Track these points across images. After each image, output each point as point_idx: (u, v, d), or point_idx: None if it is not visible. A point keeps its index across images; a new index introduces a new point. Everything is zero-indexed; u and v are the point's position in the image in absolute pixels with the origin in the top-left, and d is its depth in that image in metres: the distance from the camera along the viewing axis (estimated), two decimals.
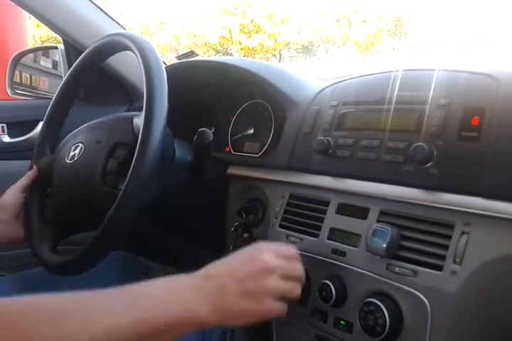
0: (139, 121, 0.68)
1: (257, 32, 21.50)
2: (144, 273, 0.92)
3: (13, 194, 0.78)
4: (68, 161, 0.72)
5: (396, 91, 0.66)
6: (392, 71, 0.69)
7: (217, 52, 23.46)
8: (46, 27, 1.01)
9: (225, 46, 22.51)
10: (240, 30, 21.53)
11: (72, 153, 0.72)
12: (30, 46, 3.75)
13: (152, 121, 0.61)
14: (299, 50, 31.14)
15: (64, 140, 0.79)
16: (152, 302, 0.45)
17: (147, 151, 0.60)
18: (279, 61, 28.59)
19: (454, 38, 26.80)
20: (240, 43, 21.58)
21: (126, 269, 0.89)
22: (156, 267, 0.95)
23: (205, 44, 22.49)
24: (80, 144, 0.72)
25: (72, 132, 0.78)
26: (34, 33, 19.25)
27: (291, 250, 0.59)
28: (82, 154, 0.71)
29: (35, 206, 0.77)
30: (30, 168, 0.81)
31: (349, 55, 27.27)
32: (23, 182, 0.79)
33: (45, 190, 0.79)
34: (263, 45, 21.41)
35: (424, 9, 26.88)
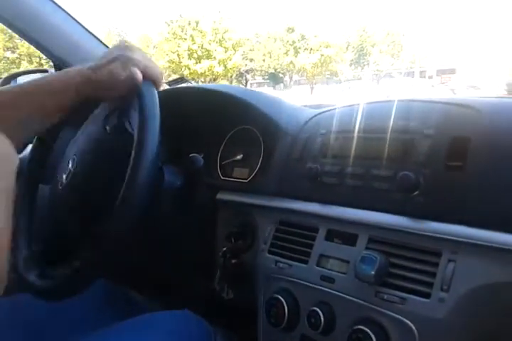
0: None
1: (207, 57, 21.30)
2: (127, 304, 0.90)
3: None
4: (60, 187, 0.72)
5: (383, 121, 0.68)
6: (379, 101, 0.72)
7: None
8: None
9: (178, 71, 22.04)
10: (189, 55, 21.23)
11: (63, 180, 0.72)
12: None
13: (143, 155, 0.59)
14: (265, 77, 31.49)
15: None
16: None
17: (136, 188, 0.58)
18: (245, 86, 28.78)
19: (416, 69, 27.50)
20: (189, 68, 21.33)
21: (109, 299, 0.87)
22: (140, 298, 0.94)
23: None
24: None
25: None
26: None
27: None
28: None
29: (23, 232, 0.76)
30: None
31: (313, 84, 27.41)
32: None
33: (33, 216, 0.78)
34: (213, 71, 21.27)
35: (387, 39, 27.77)
